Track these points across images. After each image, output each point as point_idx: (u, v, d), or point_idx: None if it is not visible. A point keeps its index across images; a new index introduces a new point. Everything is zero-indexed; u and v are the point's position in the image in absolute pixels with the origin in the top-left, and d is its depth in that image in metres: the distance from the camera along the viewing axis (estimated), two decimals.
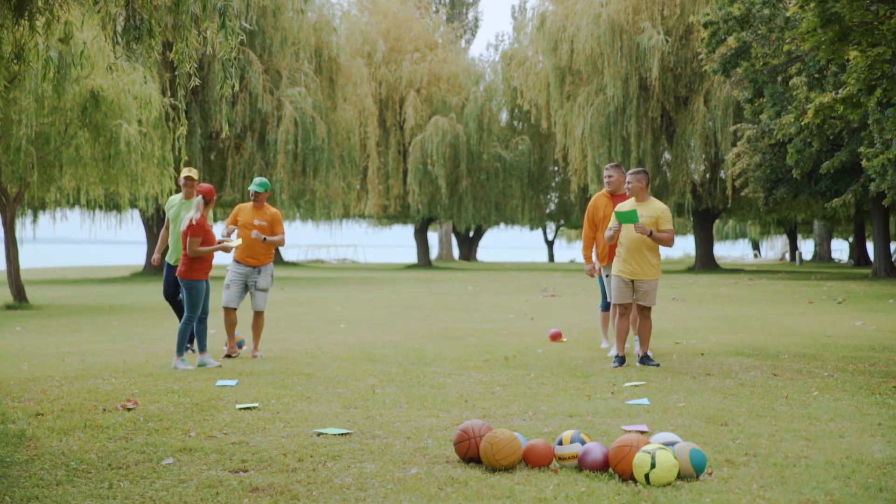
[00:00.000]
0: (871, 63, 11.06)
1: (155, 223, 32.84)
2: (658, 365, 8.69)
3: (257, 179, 9.67)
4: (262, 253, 9.60)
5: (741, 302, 18.21)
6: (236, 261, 9.59)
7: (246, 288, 9.65)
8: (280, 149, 29.59)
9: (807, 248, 75.67)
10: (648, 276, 8.74)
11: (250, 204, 9.70)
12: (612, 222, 8.85)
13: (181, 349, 8.71)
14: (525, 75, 38.01)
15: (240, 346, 10.16)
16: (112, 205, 31.94)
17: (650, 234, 8.61)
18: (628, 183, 8.84)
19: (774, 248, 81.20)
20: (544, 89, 36.54)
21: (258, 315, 9.66)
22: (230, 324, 9.54)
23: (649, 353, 8.88)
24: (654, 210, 8.77)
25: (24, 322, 14.31)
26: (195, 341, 9.27)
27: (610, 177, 9.71)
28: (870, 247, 48.96)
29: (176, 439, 5.60)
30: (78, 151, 17.89)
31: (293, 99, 29.98)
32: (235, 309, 9.56)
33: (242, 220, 9.59)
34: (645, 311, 8.85)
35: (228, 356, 9.44)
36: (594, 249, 9.81)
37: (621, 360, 8.75)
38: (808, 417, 6.19)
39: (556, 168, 45.21)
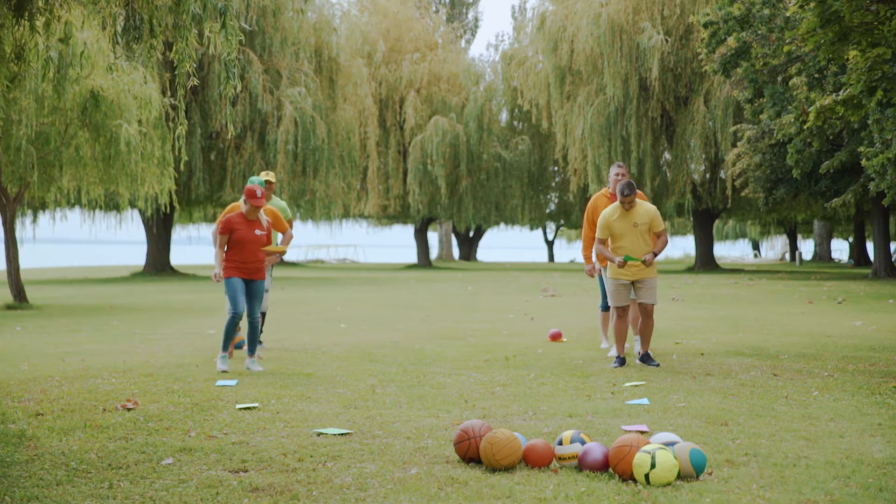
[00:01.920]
0: (872, 65, 11.06)
1: (154, 223, 32.83)
2: (658, 365, 8.69)
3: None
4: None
5: (741, 302, 18.21)
6: None
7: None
8: (280, 149, 29.60)
9: (807, 248, 75.69)
10: (648, 275, 8.74)
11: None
12: (601, 248, 8.82)
13: (224, 345, 8.58)
14: (525, 75, 38.00)
15: (239, 346, 10.13)
16: (112, 205, 31.91)
17: (654, 255, 8.67)
18: (630, 194, 8.65)
19: (774, 248, 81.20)
20: (544, 89, 36.53)
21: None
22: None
23: (650, 353, 8.88)
24: (648, 214, 8.75)
25: (24, 322, 14.30)
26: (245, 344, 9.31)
27: (623, 175, 9.57)
28: (870, 247, 48.97)
29: (176, 439, 5.60)
30: (78, 151, 17.88)
31: (293, 99, 29.98)
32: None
33: None
34: (647, 310, 8.80)
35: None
36: (594, 249, 9.79)
37: (622, 360, 8.74)
38: (808, 417, 6.20)
39: (556, 168, 45.19)
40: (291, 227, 10.29)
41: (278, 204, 10.35)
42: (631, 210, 8.71)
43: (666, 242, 8.84)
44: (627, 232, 8.69)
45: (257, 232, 8.57)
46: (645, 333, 8.84)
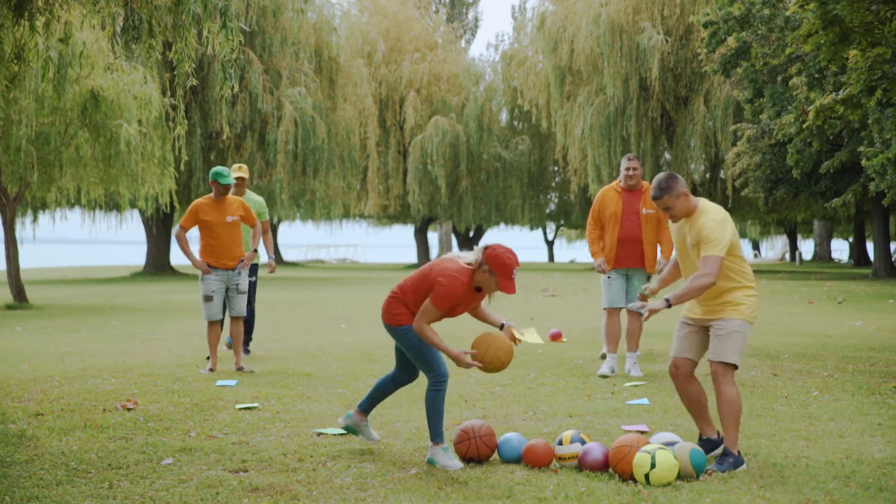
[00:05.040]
0: (872, 64, 11.06)
1: (154, 223, 32.83)
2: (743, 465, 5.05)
3: (223, 170, 8.49)
4: (239, 250, 8.62)
5: None
6: (213, 267, 8.53)
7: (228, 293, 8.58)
8: (280, 149, 29.60)
9: (807, 248, 75.66)
10: (723, 314, 5.14)
11: (209, 199, 8.52)
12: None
13: (435, 434, 5.10)
14: (525, 75, 37.98)
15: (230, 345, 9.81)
16: (112, 205, 31.92)
17: (668, 306, 5.05)
18: (660, 197, 5.22)
19: (774, 248, 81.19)
20: (544, 89, 36.51)
21: (237, 322, 8.63)
22: (216, 338, 8.58)
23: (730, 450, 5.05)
24: (695, 231, 5.17)
25: (24, 322, 14.30)
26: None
27: (635, 169, 8.47)
28: (870, 247, 48.97)
29: (176, 439, 5.60)
30: (78, 151, 17.89)
31: (293, 99, 29.98)
32: (221, 321, 8.65)
33: (213, 220, 8.48)
34: (721, 371, 5.13)
35: (212, 370, 8.41)
36: (601, 244, 8.70)
37: (714, 443, 5.36)
38: (808, 417, 6.19)
39: (556, 168, 45.16)
40: (267, 229, 9.52)
41: (254, 198, 9.57)
42: (688, 221, 5.29)
43: (707, 278, 4.98)
44: (679, 248, 5.38)
45: None
46: (730, 417, 5.10)
